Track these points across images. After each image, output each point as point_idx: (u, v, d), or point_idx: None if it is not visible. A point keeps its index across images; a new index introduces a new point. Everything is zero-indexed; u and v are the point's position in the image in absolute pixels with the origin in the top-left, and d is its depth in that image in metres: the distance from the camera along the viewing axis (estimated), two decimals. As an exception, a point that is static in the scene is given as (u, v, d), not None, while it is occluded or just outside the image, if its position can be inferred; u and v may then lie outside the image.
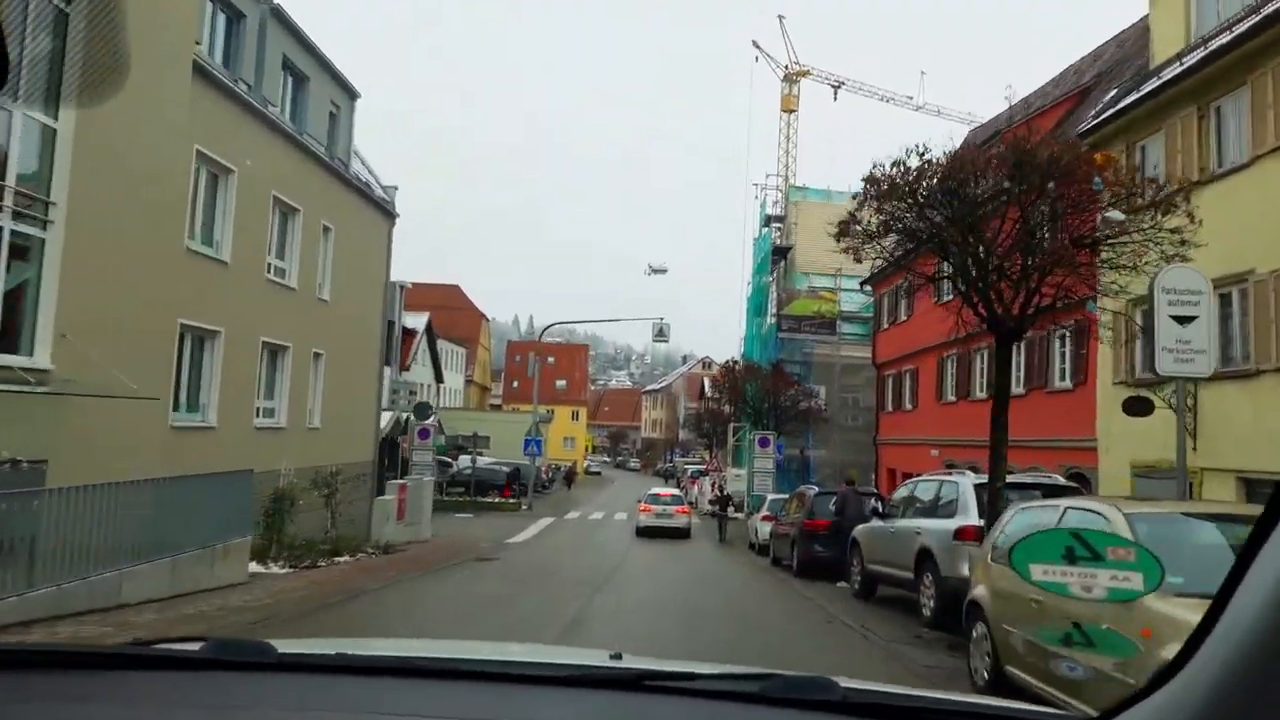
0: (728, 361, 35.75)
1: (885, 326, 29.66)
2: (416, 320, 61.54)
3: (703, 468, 63.77)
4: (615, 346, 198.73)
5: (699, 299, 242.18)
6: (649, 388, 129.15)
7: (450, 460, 44.83)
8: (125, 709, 1.46)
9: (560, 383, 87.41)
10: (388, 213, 25.87)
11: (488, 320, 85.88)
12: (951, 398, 24.25)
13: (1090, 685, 5.07)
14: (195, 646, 1.72)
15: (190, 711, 1.43)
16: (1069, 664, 4.90)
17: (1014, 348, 12.40)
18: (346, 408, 23.80)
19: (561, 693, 1.65)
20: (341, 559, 17.12)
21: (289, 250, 20.64)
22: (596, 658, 1.94)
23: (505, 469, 42.08)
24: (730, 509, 25.40)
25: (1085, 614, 4.72)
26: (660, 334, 38.13)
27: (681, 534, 28.58)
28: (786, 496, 23.19)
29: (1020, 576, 3.62)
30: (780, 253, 40.24)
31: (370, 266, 25.34)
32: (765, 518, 23.12)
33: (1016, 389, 16.53)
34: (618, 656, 1.92)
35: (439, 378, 66.15)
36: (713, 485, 39.91)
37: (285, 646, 1.75)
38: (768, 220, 42.43)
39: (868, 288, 30.93)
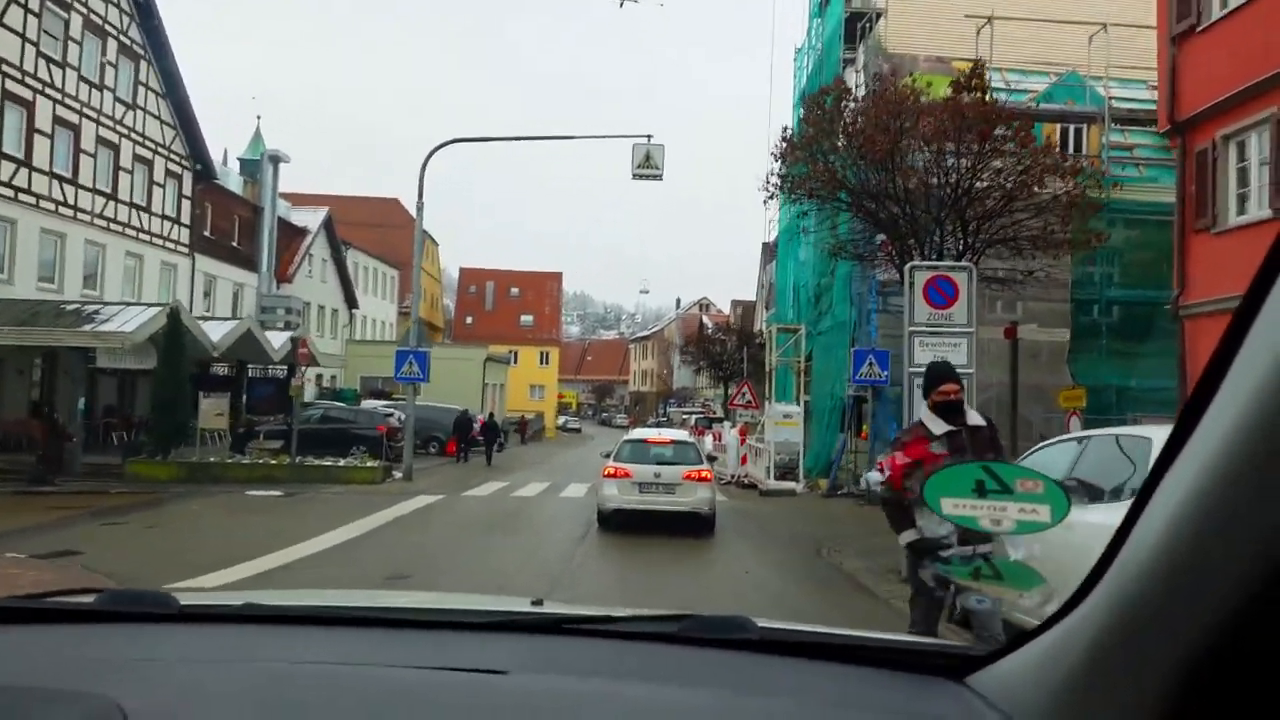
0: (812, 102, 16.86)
1: (1224, 10, 12.16)
2: (307, 217, 44.23)
3: (705, 413, 46.66)
4: (605, 305, 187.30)
5: (704, 249, 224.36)
6: (637, 335, 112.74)
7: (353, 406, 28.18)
8: (16, 665, 1.35)
9: (526, 318, 70.13)
10: None
11: (435, 243, 68.41)
12: None
13: None
14: (90, 599, 1.66)
15: (87, 666, 1.33)
16: (978, 597, 4.84)
17: None
18: None
19: (479, 637, 1.60)
20: None
21: None
22: (517, 604, 1.85)
23: (390, 415, 25.22)
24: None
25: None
26: (648, 160, 21.29)
27: (694, 526, 13.22)
28: None
29: (932, 510, 3.38)
30: (856, 22, 22.80)
31: None
32: None
33: None
34: (539, 602, 1.82)
35: (351, 301, 48.99)
36: (739, 433, 22.74)
37: (188, 598, 1.66)
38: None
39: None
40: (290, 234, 41.81)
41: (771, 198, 16.50)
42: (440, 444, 32.03)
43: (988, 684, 1.30)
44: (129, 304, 21.87)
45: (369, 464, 20.40)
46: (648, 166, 21.44)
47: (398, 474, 20.46)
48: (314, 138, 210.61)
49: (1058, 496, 3.10)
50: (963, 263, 10.90)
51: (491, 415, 36.67)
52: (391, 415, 25.21)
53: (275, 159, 39.15)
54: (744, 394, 22.26)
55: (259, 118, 59.34)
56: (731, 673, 1.44)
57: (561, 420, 69.60)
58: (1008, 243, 14.29)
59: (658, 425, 56.72)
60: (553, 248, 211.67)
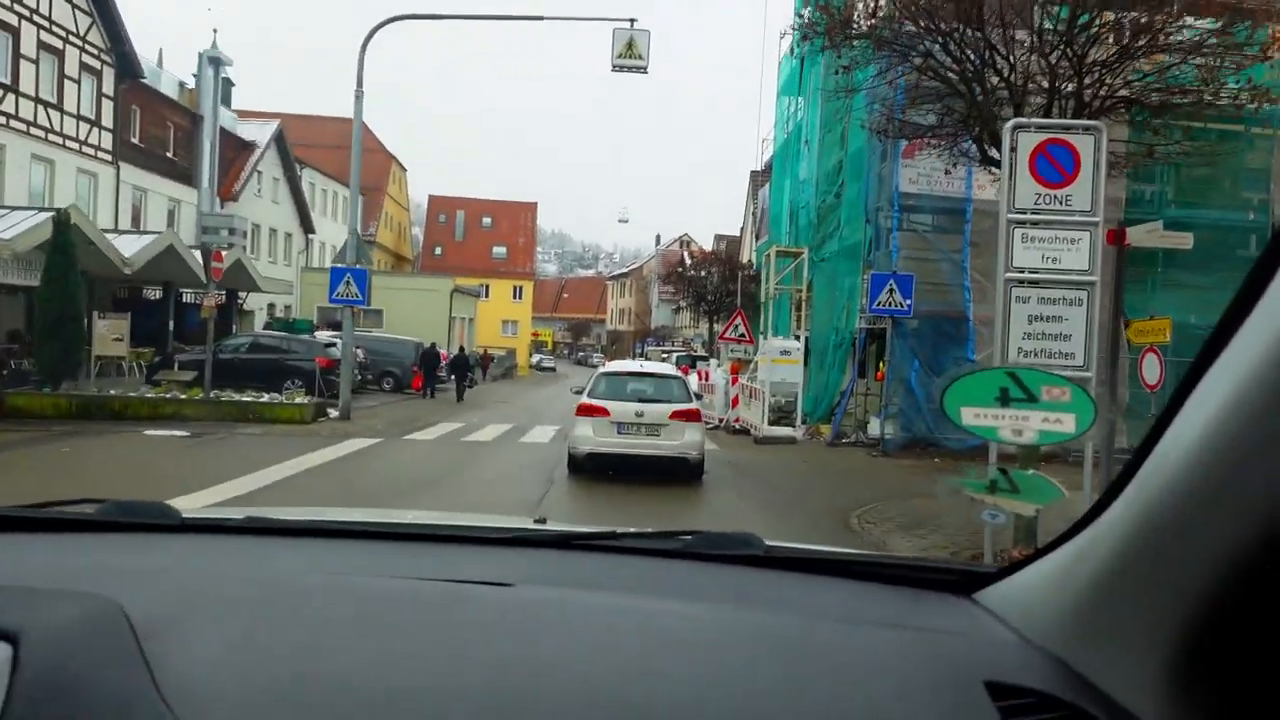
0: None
1: None
2: (256, 131, 40.41)
3: (686, 351, 43.85)
4: (583, 244, 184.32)
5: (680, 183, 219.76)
6: (615, 273, 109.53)
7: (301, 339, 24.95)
8: (15, 568, 1.31)
9: (499, 250, 66.61)
10: None
11: (403, 168, 64.48)
12: None
13: None
14: (91, 509, 1.60)
15: (89, 575, 1.27)
16: (991, 512, 4.53)
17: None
18: None
19: (485, 551, 1.59)
20: None
21: None
22: (521, 522, 1.86)
23: (333, 345, 22.29)
24: None
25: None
26: (630, 48, 18.15)
27: (680, 474, 11.55)
28: None
29: (952, 422, 3.08)
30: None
31: None
32: None
33: None
34: (542, 521, 1.85)
35: (307, 225, 45.44)
36: (730, 372, 20.05)
37: (190, 512, 1.64)
38: None
39: None
40: (237, 148, 38.12)
41: (804, 39, 13.17)
42: (396, 380, 29.16)
43: (997, 600, 1.28)
44: (15, 209, 18.60)
45: (298, 400, 17.43)
46: (630, 55, 18.27)
47: (333, 412, 17.55)
48: (275, 61, 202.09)
49: (1084, 405, 2.82)
50: (1087, 121, 8.00)
51: (463, 349, 33.87)
52: (335, 346, 22.28)
53: (217, 61, 35.26)
54: (737, 326, 19.49)
55: (215, 31, 54.51)
56: (737, 588, 1.43)
57: (536, 359, 66.67)
58: (1137, 102, 11.13)
59: (636, 364, 54.04)
60: (529, 189, 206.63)
